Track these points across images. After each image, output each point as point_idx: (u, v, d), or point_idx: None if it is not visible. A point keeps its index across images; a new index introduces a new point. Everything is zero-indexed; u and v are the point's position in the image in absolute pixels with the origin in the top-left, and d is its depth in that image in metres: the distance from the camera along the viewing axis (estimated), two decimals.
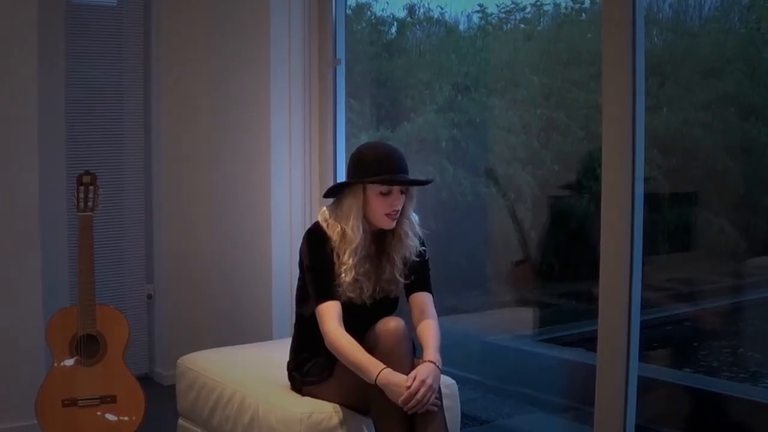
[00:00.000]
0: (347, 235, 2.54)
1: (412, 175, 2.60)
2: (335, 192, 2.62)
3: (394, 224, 2.58)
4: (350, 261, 2.54)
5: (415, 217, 2.66)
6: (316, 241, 2.58)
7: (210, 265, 4.32)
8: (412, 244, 2.62)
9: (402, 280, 2.62)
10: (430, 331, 2.55)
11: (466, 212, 4.18)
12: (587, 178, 3.57)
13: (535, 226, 3.98)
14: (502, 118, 4.09)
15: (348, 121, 3.98)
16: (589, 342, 2.96)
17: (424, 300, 2.65)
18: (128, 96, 4.28)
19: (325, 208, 2.65)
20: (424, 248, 2.67)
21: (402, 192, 2.56)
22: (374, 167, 2.52)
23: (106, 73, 4.20)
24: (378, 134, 4.22)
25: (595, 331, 2.73)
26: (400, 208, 2.56)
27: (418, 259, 2.64)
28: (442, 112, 4.19)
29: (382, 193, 2.53)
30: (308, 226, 2.68)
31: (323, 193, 2.67)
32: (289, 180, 3.90)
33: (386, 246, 2.63)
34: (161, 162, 4.31)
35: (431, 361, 2.43)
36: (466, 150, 4.17)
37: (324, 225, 2.59)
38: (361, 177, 2.54)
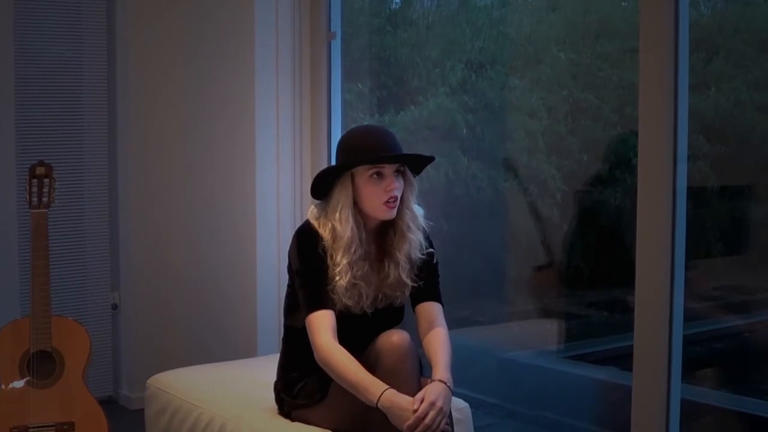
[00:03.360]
0: (337, 231, 2.54)
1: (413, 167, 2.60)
2: (323, 187, 2.61)
3: (394, 213, 2.57)
4: (343, 261, 2.53)
5: (419, 210, 2.66)
6: (306, 242, 2.58)
7: (185, 270, 4.32)
8: (415, 238, 2.62)
9: (409, 282, 2.62)
10: (439, 346, 2.54)
11: (482, 210, 4.17)
12: (621, 170, 3.57)
13: (561, 226, 3.98)
14: (522, 100, 4.08)
15: (345, 104, 3.97)
16: (623, 359, 2.96)
17: (432, 311, 2.64)
18: (89, 73, 4.27)
19: (313, 206, 2.65)
20: (431, 250, 2.67)
21: (397, 175, 2.56)
22: (359, 150, 2.53)
23: (62, 45, 4.19)
24: (379, 120, 4.22)
25: (631, 346, 2.73)
26: (398, 193, 2.55)
27: (424, 257, 2.64)
28: (453, 94, 4.19)
29: (373, 178, 2.53)
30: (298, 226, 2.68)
31: (311, 191, 2.67)
32: (276, 173, 3.90)
33: (388, 245, 2.63)
34: (128, 150, 4.31)
35: (441, 381, 2.43)
36: (481, 138, 4.17)
37: (315, 223, 2.59)
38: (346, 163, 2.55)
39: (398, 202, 2.57)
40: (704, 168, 3.29)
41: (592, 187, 3.82)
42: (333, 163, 3.78)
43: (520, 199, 4.12)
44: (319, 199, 2.63)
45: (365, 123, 4.13)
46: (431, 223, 2.70)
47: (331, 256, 2.56)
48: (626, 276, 2.77)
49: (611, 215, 3.73)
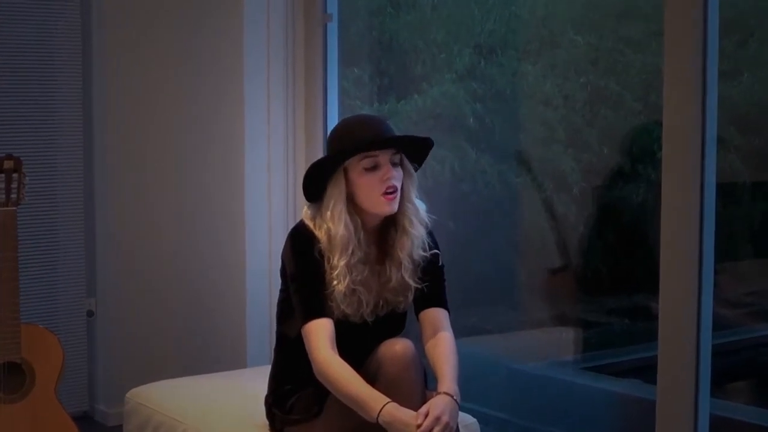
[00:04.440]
0: (331, 231, 2.54)
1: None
2: (316, 187, 2.61)
3: (396, 205, 2.57)
4: (341, 264, 2.53)
5: (420, 204, 2.65)
6: (300, 243, 2.59)
7: (168, 274, 4.32)
8: (418, 234, 2.62)
9: (413, 284, 2.62)
10: (445, 356, 2.55)
11: (491, 208, 4.17)
12: (644, 164, 3.57)
13: (578, 225, 3.98)
14: (536, 88, 4.09)
15: (342, 92, 3.97)
16: (646, 371, 2.96)
17: (437, 317, 2.64)
18: (61, 58, 4.25)
19: (307, 206, 2.65)
20: (437, 251, 2.67)
21: (394, 165, 2.56)
22: (349, 141, 2.53)
23: (31, 28, 4.17)
24: (380, 109, 4.22)
25: (655, 357, 2.73)
26: (396, 183, 2.55)
27: (428, 257, 2.64)
28: (460, 81, 4.19)
29: (367, 169, 2.53)
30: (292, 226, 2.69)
31: (304, 193, 2.66)
32: (267, 168, 3.90)
33: (388, 246, 2.63)
34: (106, 143, 4.31)
35: (447, 394, 2.43)
36: (491, 129, 4.17)
37: (310, 224, 2.60)
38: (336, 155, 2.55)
39: (399, 193, 2.56)
40: (735, 162, 3.29)
41: (612, 183, 3.82)
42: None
43: (533, 195, 4.12)
44: (314, 201, 2.63)
45: (364, 112, 4.13)
46: (434, 217, 2.69)
47: (328, 260, 2.56)
48: (649, 280, 2.78)
49: (633, 213, 3.73)
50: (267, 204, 3.90)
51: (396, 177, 2.56)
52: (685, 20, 2.60)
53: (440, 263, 2.68)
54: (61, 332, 3.71)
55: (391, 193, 2.55)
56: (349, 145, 2.53)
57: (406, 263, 2.61)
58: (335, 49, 3.91)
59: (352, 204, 2.58)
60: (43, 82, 4.23)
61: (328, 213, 2.55)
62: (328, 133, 3.84)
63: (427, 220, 2.66)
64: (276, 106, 3.91)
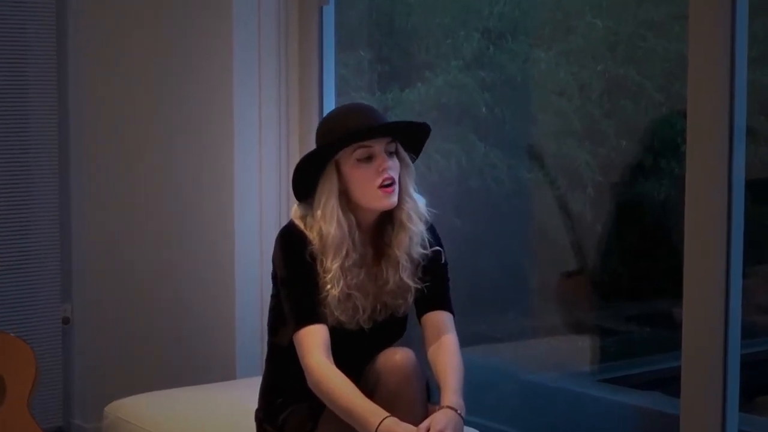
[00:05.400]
0: (323, 230, 2.54)
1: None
2: (306, 184, 2.60)
3: (395, 198, 2.57)
4: (335, 266, 2.54)
5: (420, 198, 2.66)
6: (291, 245, 2.59)
7: (150, 278, 4.31)
8: (417, 230, 2.62)
9: (413, 284, 2.62)
10: (450, 365, 2.55)
11: (501, 205, 4.17)
12: (667, 158, 3.57)
13: (595, 224, 3.98)
14: (550, 76, 4.08)
15: (340, 80, 3.96)
16: (669, 383, 2.96)
17: (442, 322, 2.65)
18: (34, 57, 4.26)
19: (296, 204, 2.66)
20: (438, 248, 2.66)
21: (389, 153, 2.56)
22: (339, 131, 2.53)
23: (1, 30, 4.18)
24: (381, 99, 4.22)
25: (678, 368, 2.73)
26: (393, 174, 2.55)
27: (429, 255, 2.64)
28: (468, 68, 4.19)
29: (360, 160, 2.54)
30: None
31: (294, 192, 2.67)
32: (258, 165, 3.90)
33: (385, 245, 2.63)
34: (82, 139, 4.32)
35: (451, 407, 2.44)
36: (501, 121, 4.17)
37: (300, 224, 2.59)
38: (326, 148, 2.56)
39: (397, 185, 2.56)
40: (767, 156, 3.29)
41: (631, 179, 3.81)
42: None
43: (546, 192, 4.12)
44: (304, 200, 2.63)
45: (364, 102, 4.13)
46: (435, 212, 2.69)
47: (321, 263, 2.56)
48: (672, 284, 2.77)
49: (654, 212, 3.73)
50: (257, 206, 3.90)
51: (392, 167, 2.55)
52: (712, 2, 2.59)
53: (443, 260, 2.68)
54: (34, 341, 3.71)
55: (389, 185, 2.55)
56: (340, 135, 2.53)
57: (404, 262, 2.61)
58: (332, 34, 3.90)
59: (346, 201, 2.58)
60: (15, 82, 4.24)
61: (319, 211, 2.55)
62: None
63: (427, 215, 2.66)
64: (268, 96, 3.90)
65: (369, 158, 2.55)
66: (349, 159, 2.55)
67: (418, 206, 2.65)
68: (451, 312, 2.68)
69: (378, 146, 2.55)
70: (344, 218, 2.56)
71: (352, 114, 2.60)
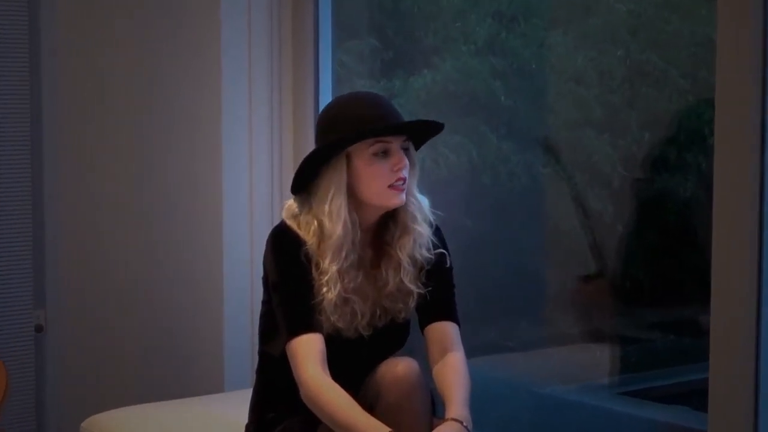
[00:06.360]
0: (325, 228, 2.53)
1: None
2: (307, 178, 2.60)
3: (404, 197, 2.59)
4: (332, 268, 2.54)
5: (423, 199, 2.67)
6: (283, 246, 2.60)
7: (131, 283, 4.32)
8: (422, 232, 2.63)
9: (415, 288, 2.63)
10: (455, 377, 2.56)
11: (514, 203, 4.18)
12: (693, 151, 3.57)
13: (615, 224, 3.98)
14: (566, 62, 4.09)
15: (341, 67, 3.96)
16: (695, 396, 2.95)
17: (446, 333, 2.66)
18: (5, 46, 4.27)
19: (289, 202, 2.65)
20: (443, 250, 2.67)
21: (404, 150, 2.58)
22: (357, 122, 2.53)
23: None
24: (386, 87, 4.22)
25: (705, 380, 2.72)
26: (406, 173, 2.57)
27: (432, 258, 2.65)
28: (479, 54, 4.19)
29: (378, 155, 2.54)
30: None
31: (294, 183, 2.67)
32: (248, 161, 3.91)
33: (385, 245, 2.65)
34: (56, 134, 4.33)
35: (457, 420, 2.45)
36: (514, 110, 4.18)
37: (293, 224, 2.59)
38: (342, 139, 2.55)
39: (406, 185, 2.57)
40: None
41: (655, 174, 3.81)
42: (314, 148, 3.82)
43: (563, 189, 4.12)
44: (298, 193, 2.63)
45: (366, 91, 4.14)
46: (439, 213, 2.70)
47: (317, 264, 2.56)
48: (699, 289, 2.77)
49: (680, 210, 3.73)
50: (247, 205, 3.90)
51: (407, 166, 2.56)
52: None
53: (448, 264, 2.69)
54: (4, 351, 3.72)
55: (399, 184, 2.55)
56: (357, 126, 2.52)
57: (406, 265, 2.62)
58: (329, 18, 3.90)
59: (350, 197, 2.57)
60: None
61: (326, 207, 2.55)
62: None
63: (431, 216, 2.66)
64: (259, 86, 3.91)
65: (384, 153, 2.55)
66: (364, 153, 2.55)
67: (423, 207, 2.66)
68: (457, 322, 2.68)
69: (396, 142, 2.56)
70: (349, 216, 2.57)
71: (366, 103, 2.60)
